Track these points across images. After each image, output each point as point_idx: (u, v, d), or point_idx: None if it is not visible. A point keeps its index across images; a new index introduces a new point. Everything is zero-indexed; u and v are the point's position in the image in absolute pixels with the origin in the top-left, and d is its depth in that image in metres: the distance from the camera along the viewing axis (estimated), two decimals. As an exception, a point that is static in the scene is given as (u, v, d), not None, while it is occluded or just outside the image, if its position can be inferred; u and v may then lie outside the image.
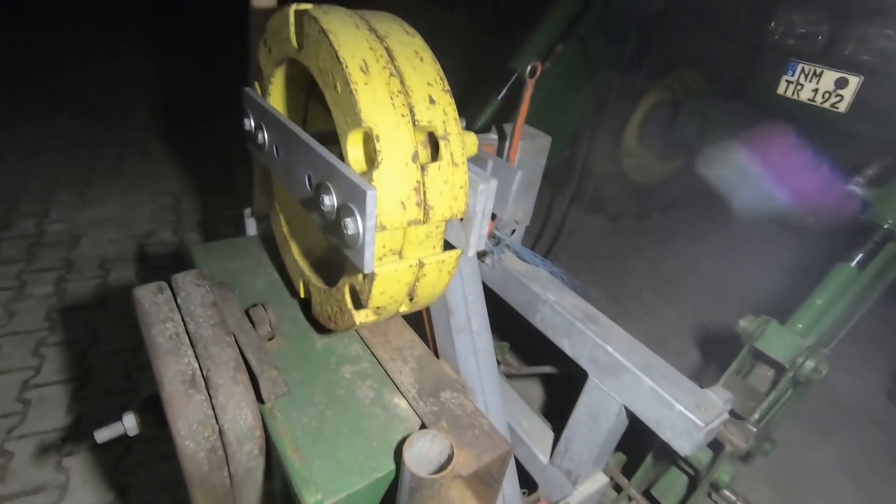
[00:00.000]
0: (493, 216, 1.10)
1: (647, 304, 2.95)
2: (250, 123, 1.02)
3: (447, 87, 0.76)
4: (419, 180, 0.72)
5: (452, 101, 0.77)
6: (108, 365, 2.00)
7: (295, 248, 1.09)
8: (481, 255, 1.23)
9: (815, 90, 2.02)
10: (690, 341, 2.67)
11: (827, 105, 1.99)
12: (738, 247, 3.49)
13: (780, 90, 2.18)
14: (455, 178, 0.75)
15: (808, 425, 2.27)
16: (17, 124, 3.82)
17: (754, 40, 2.30)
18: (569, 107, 2.15)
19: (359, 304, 0.82)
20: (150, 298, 0.98)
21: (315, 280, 1.00)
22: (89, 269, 2.51)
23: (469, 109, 1.97)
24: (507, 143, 1.05)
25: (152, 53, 5.59)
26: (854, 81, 1.91)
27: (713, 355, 2.52)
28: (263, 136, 0.98)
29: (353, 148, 0.72)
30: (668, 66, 2.71)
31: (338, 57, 0.70)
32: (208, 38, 6.11)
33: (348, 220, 0.71)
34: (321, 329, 1.08)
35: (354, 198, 0.70)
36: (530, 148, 1.11)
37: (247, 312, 1.04)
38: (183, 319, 0.94)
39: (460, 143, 0.76)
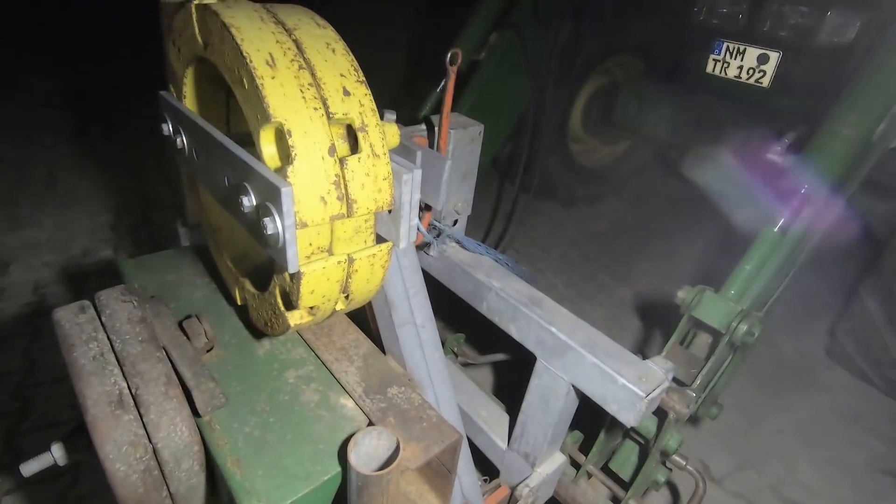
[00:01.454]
0: (429, 207, 1.10)
1: (603, 285, 3.02)
2: (168, 128, 0.98)
3: (362, 78, 0.75)
4: (338, 174, 0.71)
5: (368, 91, 0.75)
6: (49, 395, 1.89)
7: (227, 255, 1.05)
8: (424, 247, 1.22)
9: (740, 67, 2.11)
10: (644, 317, 2.75)
11: (752, 81, 2.09)
12: (686, 223, 3.61)
13: (709, 69, 2.27)
14: (377, 169, 0.74)
15: (758, 388, 2.38)
16: None
17: (682, 22, 2.38)
18: (509, 96, 2.16)
19: (290, 305, 0.80)
20: (71, 319, 0.92)
21: (249, 286, 0.97)
22: (22, 295, 2.37)
23: (410, 102, 1.96)
24: (437, 134, 1.05)
25: (80, 62, 5.31)
26: (774, 57, 2.01)
27: (664, 328, 2.61)
28: (182, 141, 0.94)
29: (267, 145, 0.70)
30: (604, 52, 2.77)
31: (241, 52, 0.67)
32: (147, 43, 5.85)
33: (267, 220, 0.69)
34: (262, 336, 1.05)
35: (271, 196, 0.68)
36: (463, 137, 1.11)
37: (180, 325, 1.00)
38: (109, 338, 0.89)
39: (380, 134, 0.75)
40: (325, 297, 0.80)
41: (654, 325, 2.69)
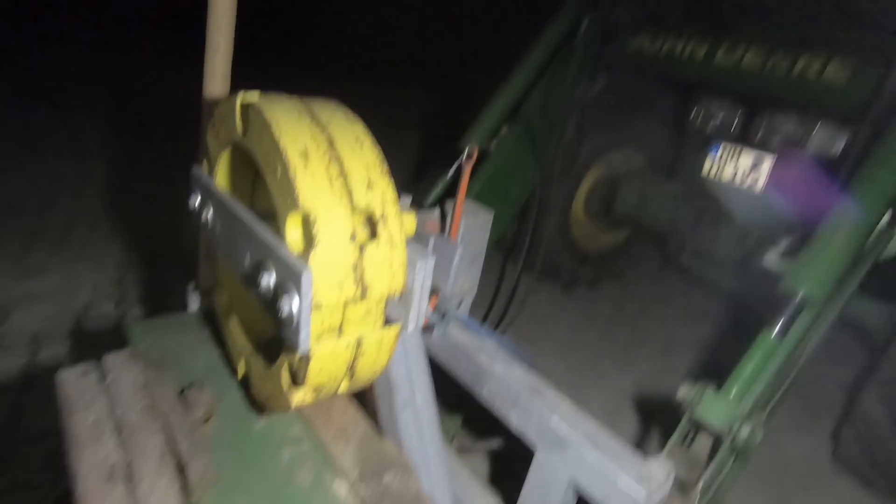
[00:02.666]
0: (436, 290, 1.13)
1: (604, 372, 2.98)
2: (196, 201, 1.04)
3: (385, 170, 0.81)
4: (357, 260, 0.75)
5: (391, 183, 0.81)
6: (28, 453, 1.82)
7: (236, 325, 1.07)
8: (428, 328, 1.24)
9: (736, 170, 2.22)
10: (644, 408, 2.69)
11: (747, 184, 2.19)
12: (686, 312, 3.63)
13: (706, 169, 2.39)
14: (393, 256, 0.78)
15: (762, 490, 2.28)
16: None
17: (681, 125, 2.55)
18: (517, 183, 2.28)
19: (296, 383, 0.81)
20: (74, 382, 0.93)
21: (255, 359, 0.98)
22: (18, 345, 2.34)
23: (423, 184, 2.06)
24: (449, 221, 1.10)
25: (111, 120, 5.59)
26: (768, 161, 2.13)
27: (664, 421, 2.54)
28: (208, 214, 0.99)
29: (292, 230, 0.74)
30: (606, 146, 2.94)
31: (279, 145, 0.74)
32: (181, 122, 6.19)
33: (285, 300, 0.72)
34: (262, 410, 1.05)
35: (291, 278, 0.71)
36: (473, 223, 1.17)
37: (182, 393, 1.00)
38: (111, 403, 0.89)
39: (399, 223, 0.79)
40: (332, 377, 0.81)
41: (653, 417, 2.63)
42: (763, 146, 2.11)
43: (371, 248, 0.76)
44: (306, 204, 0.72)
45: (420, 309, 0.84)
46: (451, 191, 2.04)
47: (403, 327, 0.85)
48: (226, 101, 0.89)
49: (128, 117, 5.87)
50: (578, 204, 3.17)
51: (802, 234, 1.32)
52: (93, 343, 2.43)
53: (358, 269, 0.74)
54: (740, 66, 1.92)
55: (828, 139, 2.03)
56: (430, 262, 0.81)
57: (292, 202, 0.73)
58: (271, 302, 0.75)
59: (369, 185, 0.78)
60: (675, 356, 3.16)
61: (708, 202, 2.28)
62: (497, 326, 2.45)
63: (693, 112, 2.35)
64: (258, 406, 1.04)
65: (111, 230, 3.50)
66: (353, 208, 0.75)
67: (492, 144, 2.14)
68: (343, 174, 0.76)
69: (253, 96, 0.82)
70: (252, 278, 0.79)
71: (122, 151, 4.92)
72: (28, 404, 2.04)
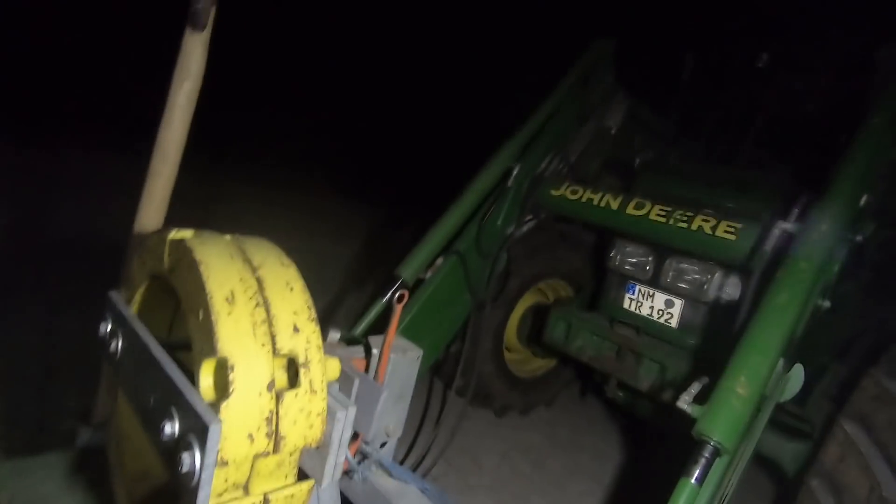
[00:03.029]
0: (358, 433, 1.08)
1: (535, 509, 2.84)
2: (106, 328, 0.98)
3: (314, 316, 0.81)
4: (272, 410, 0.71)
5: (318, 328, 0.81)
6: None
7: (128, 472, 0.95)
8: (347, 473, 1.16)
9: (651, 307, 2.41)
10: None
11: (662, 321, 2.37)
12: (615, 442, 3.62)
13: (625, 305, 2.57)
14: (312, 405, 0.76)
15: None
16: None
17: (601, 262, 2.78)
18: (450, 311, 2.33)
19: (187, 552, 0.71)
20: None
21: (143, 514, 0.86)
22: None
23: (353, 310, 2.05)
24: (377, 360, 1.09)
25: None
26: (678, 304, 2.33)
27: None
28: (117, 344, 0.93)
29: (206, 376, 0.71)
30: (536, 276, 3.13)
31: (205, 287, 0.73)
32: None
33: (185, 455, 0.66)
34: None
35: (197, 430, 0.66)
36: (402, 361, 1.16)
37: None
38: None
39: (321, 369, 0.78)
40: (231, 542, 0.72)
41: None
42: (672, 289, 2.32)
43: (289, 397, 0.73)
44: (225, 350, 0.70)
45: (337, 462, 0.80)
46: (384, 317, 2.04)
47: (317, 482, 0.79)
48: (157, 234, 0.89)
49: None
50: (511, 330, 3.25)
51: (711, 379, 1.41)
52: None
53: (273, 420, 0.71)
54: (647, 218, 2.19)
55: (726, 285, 2.27)
56: (352, 412, 0.79)
57: (210, 348, 0.70)
58: (171, 455, 0.69)
59: (295, 330, 0.77)
60: (610, 493, 3.08)
61: (629, 337, 2.42)
62: (426, 454, 2.33)
63: (611, 253, 2.59)
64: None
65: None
66: (275, 354, 0.74)
67: (427, 273, 2.22)
68: (268, 319, 0.75)
69: (186, 233, 0.83)
70: (153, 423, 0.73)
71: None
72: None
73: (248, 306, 0.74)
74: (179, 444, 0.69)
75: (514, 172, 2.44)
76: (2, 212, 5.18)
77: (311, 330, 0.79)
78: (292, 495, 0.76)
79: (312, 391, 0.75)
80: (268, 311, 0.76)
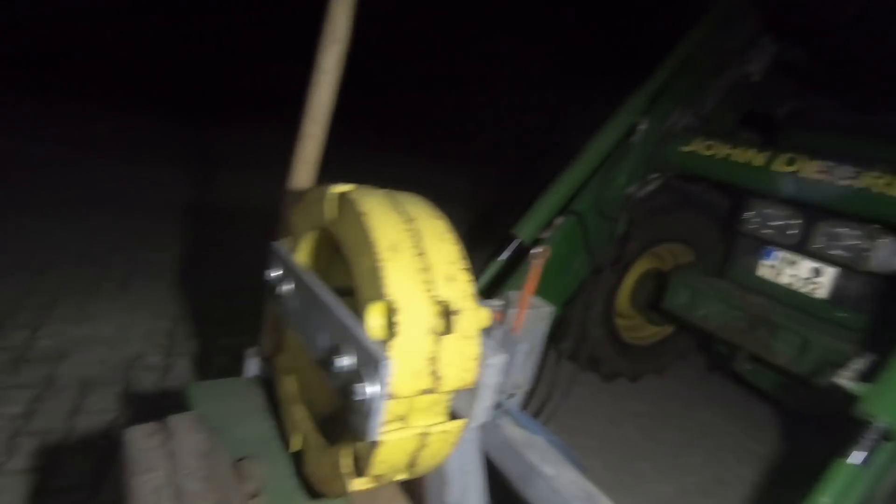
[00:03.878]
0: (495, 383, 1.12)
1: (643, 476, 2.78)
2: (275, 275, 1.10)
3: (466, 266, 0.85)
4: (433, 351, 0.76)
5: (470, 278, 0.84)
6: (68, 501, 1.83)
7: (296, 401, 1.09)
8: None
9: (794, 276, 2.17)
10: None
11: (805, 290, 2.13)
12: (733, 419, 3.40)
13: (760, 272, 2.35)
14: (468, 349, 0.80)
15: None
16: (24, 238, 3.98)
17: (731, 225, 2.54)
18: (566, 272, 2.29)
19: (357, 469, 0.81)
20: (140, 442, 0.95)
21: (313, 437, 0.98)
22: (68, 389, 2.42)
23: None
24: (513, 313, 1.12)
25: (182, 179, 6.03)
26: (830, 272, 2.07)
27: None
28: (286, 289, 1.05)
29: (374, 317, 0.77)
30: (654, 239, 2.95)
31: (371, 236, 0.79)
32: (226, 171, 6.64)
33: (359, 386, 0.73)
34: (310, 488, 1.03)
35: (369, 364, 0.73)
36: (534, 317, 1.18)
37: (237, 463, 1.00)
38: (173, 469, 0.90)
39: (475, 317, 0.82)
40: (393, 466, 0.80)
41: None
42: (823, 256, 2.06)
43: (448, 341, 0.78)
44: (391, 294, 0.75)
45: (486, 405, 0.84)
46: (501, 276, 2.07)
47: (469, 422, 0.84)
48: (318, 189, 0.97)
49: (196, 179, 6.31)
50: (624, 295, 3.13)
51: (877, 356, 1.26)
52: (135, 392, 2.48)
53: (434, 360, 0.76)
54: (799, 176, 1.94)
55: (889, 258, 1.97)
56: (503, 359, 0.82)
57: (377, 291, 0.76)
58: (343, 385, 0.77)
59: (450, 279, 0.81)
60: (726, 469, 2.93)
61: (764, 306, 2.21)
62: (537, 415, 2.37)
63: (746, 215, 2.35)
64: (307, 483, 1.03)
65: (168, 282, 3.68)
66: (434, 301, 0.78)
67: (545, 234, 2.20)
68: (427, 268, 0.80)
69: (348, 187, 0.89)
70: (327, 358, 0.81)
71: (184, 209, 5.26)
72: (66, 453, 2.06)
73: (409, 255, 0.79)
74: (353, 377, 0.76)
75: (641, 128, 2.28)
76: (179, 182, 5.99)
77: (464, 279, 0.82)
78: (447, 431, 0.82)
79: (468, 336, 0.79)
80: (426, 260, 0.80)
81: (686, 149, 2.25)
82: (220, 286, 3.76)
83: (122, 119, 8.25)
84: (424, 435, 0.79)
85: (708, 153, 2.17)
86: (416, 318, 0.76)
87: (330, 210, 0.91)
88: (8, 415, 2.19)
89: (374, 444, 0.75)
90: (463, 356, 0.79)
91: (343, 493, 0.84)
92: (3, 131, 6.47)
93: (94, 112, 8.11)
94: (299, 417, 1.04)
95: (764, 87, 2.62)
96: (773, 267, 2.27)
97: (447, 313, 0.80)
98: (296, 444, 1.03)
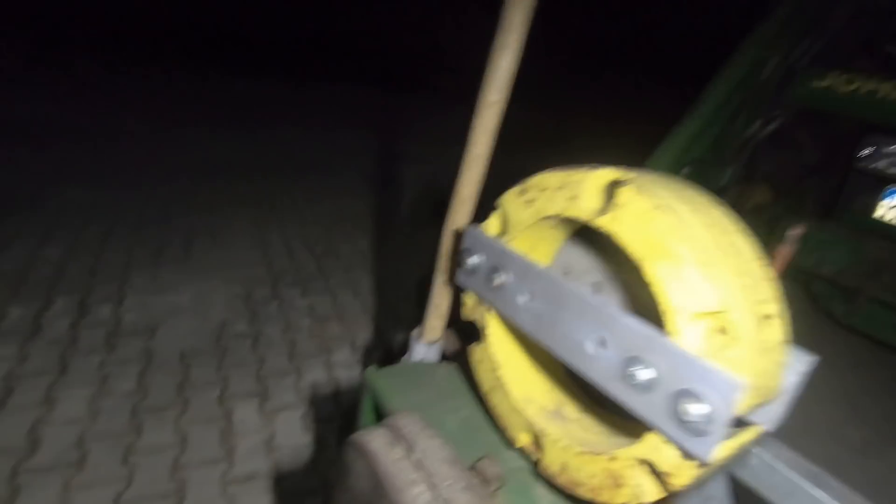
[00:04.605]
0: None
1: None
2: (481, 262, 1.01)
3: (767, 262, 0.75)
4: (763, 364, 0.69)
5: (776, 280, 0.75)
6: (202, 479, 1.86)
7: (516, 393, 1.03)
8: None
9: (926, 220, 2.06)
10: None
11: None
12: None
13: (878, 214, 2.23)
14: (781, 357, 0.72)
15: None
16: (89, 201, 3.90)
17: (841, 162, 2.39)
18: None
19: (664, 486, 0.76)
20: (387, 453, 0.91)
21: (557, 434, 0.93)
22: (170, 363, 2.42)
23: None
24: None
25: (222, 137, 5.82)
26: (971, 214, 1.96)
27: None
28: (504, 280, 0.96)
29: (694, 326, 0.69)
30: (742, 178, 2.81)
31: (679, 236, 0.69)
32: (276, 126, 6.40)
33: (690, 406, 0.66)
34: (545, 482, 1.00)
35: (702, 384, 0.66)
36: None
37: (476, 464, 0.96)
38: (432, 482, 0.87)
39: (784, 321, 0.73)
40: (694, 479, 0.75)
41: None
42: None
43: (765, 347, 0.70)
44: (718, 304, 0.66)
45: (784, 410, 0.78)
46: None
47: (764, 428, 0.78)
48: (562, 174, 0.86)
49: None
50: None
51: None
52: (235, 363, 2.48)
53: (763, 374, 0.69)
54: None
55: None
56: (812, 362, 0.75)
57: (696, 300, 0.67)
58: (641, 397, 0.71)
59: (763, 280, 0.72)
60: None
61: (888, 251, 2.12)
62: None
63: (865, 152, 2.20)
64: (541, 479, 1.00)
65: (228, 245, 3.62)
66: (757, 307, 0.70)
67: None
68: (747, 270, 0.70)
69: (618, 173, 0.78)
70: (605, 367, 0.74)
71: (225, 166, 5.10)
72: (189, 425, 2.09)
73: (725, 255, 0.70)
74: (675, 397, 0.69)
75: (769, 63, 2.08)
76: (239, 135, 5.79)
77: (771, 279, 0.73)
78: (742, 440, 0.76)
79: (781, 343, 0.71)
80: (739, 258, 0.71)
81: (821, 84, 2.07)
82: (287, 246, 3.70)
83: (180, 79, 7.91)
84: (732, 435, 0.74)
85: (848, 88, 1.99)
86: (745, 328, 0.67)
87: (590, 200, 0.80)
88: (122, 391, 2.21)
89: (693, 462, 0.70)
90: (777, 364, 0.71)
91: (623, 502, 0.80)
92: (101, 104, 6.23)
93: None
94: (527, 414, 0.99)
95: (882, 17, 2.37)
96: (894, 207, 2.15)
97: (767, 318, 0.71)
98: (523, 440, 0.99)
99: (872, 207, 2.22)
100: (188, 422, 2.10)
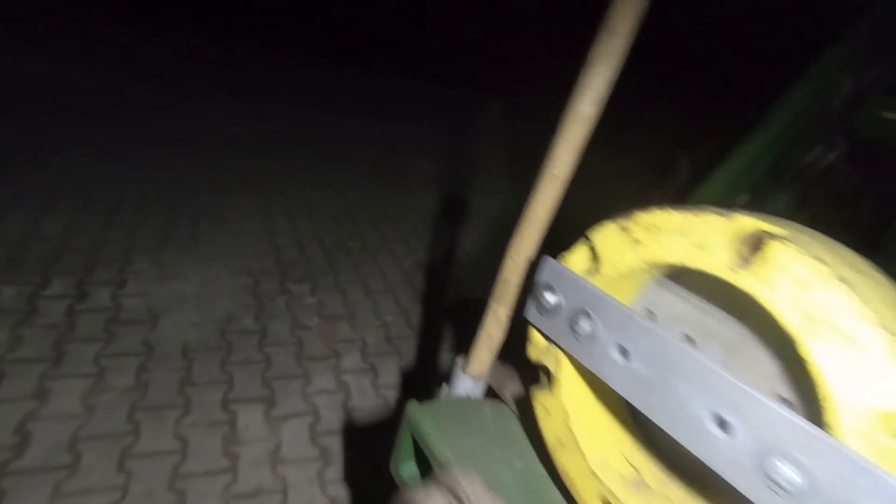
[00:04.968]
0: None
1: None
2: (562, 303, 0.87)
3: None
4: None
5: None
6: (203, 491, 1.73)
7: (590, 454, 0.90)
8: None
9: None
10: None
11: None
12: None
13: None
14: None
15: None
16: (94, 169, 3.73)
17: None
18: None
19: None
20: (453, 524, 0.78)
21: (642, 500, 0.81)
22: (171, 357, 2.28)
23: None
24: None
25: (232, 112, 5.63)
26: None
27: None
28: (593, 329, 0.83)
29: (871, 427, 0.56)
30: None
31: (861, 316, 0.56)
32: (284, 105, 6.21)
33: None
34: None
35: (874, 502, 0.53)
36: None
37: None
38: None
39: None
40: None
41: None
42: None
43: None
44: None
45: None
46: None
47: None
48: (680, 215, 0.72)
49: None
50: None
51: None
52: (241, 361, 2.35)
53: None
54: None
55: None
56: None
57: (876, 395, 0.54)
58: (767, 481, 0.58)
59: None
60: None
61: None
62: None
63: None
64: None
65: (236, 230, 3.46)
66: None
67: None
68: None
69: (766, 224, 0.65)
70: (750, 461, 0.61)
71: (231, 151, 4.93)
72: (190, 430, 1.95)
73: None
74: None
75: (843, 86, 1.94)
76: (251, 110, 5.58)
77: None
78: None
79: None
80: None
81: (890, 115, 1.94)
82: (295, 235, 3.55)
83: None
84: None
85: None
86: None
87: (725, 251, 0.67)
88: (120, 387, 2.07)
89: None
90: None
91: None
92: (112, 67, 5.99)
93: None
94: (604, 480, 0.86)
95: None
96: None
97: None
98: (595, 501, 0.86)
99: (927, 247, 2.10)
100: (189, 425, 1.96)
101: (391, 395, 2.37)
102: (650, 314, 0.93)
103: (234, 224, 3.54)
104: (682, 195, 1.99)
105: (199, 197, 3.77)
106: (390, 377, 2.47)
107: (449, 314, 3.08)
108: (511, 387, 1.30)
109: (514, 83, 9.03)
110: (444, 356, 2.71)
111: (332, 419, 2.15)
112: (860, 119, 2.00)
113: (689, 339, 0.96)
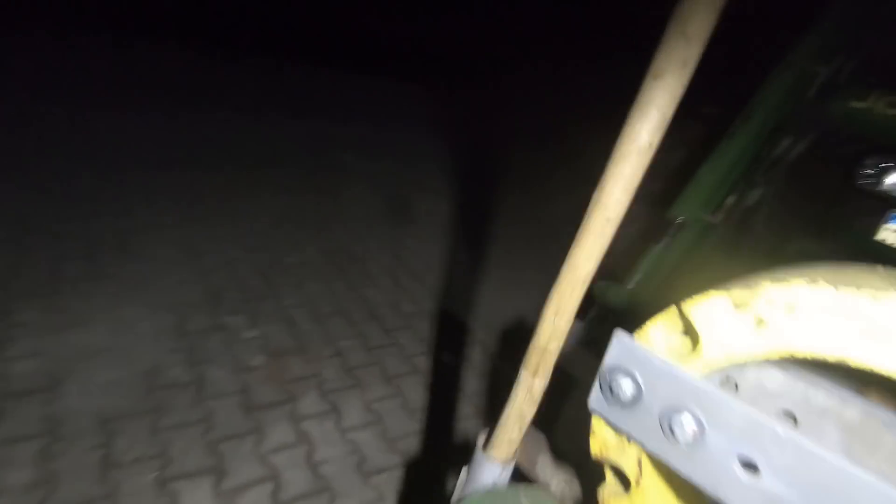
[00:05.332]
0: None
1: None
2: (646, 396, 0.68)
3: None
4: None
5: None
6: None
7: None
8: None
9: (931, 244, 2.02)
10: None
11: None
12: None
13: (881, 237, 2.18)
14: None
15: None
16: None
17: (842, 180, 2.33)
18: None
19: None
20: None
21: None
22: (84, 432, 1.85)
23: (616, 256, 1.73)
24: None
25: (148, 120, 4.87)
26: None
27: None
28: (698, 432, 0.64)
29: None
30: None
31: None
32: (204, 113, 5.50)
33: None
34: None
35: None
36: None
37: None
38: None
39: None
40: None
41: None
42: None
43: None
44: None
45: None
46: (656, 270, 1.73)
47: None
48: (831, 294, 0.54)
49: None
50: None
51: None
52: (178, 424, 1.96)
53: None
54: None
55: None
56: None
57: None
58: None
59: None
60: None
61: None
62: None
63: (868, 169, 2.13)
64: None
65: (146, 256, 2.96)
66: None
67: (717, 217, 1.84)
68: None
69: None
70: None
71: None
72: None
73: None
74: None
75: (818, 78, 1.90)
76: (155, 118, 4.77)
77: None
78: None
79: None
80: None
81: (859, 105, 1.93)
82: (223, 256, 3.10)
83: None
84: None
85: (889, 111, 1.88)
86: None
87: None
88: (16, 486, 1.62)
89: None
90: None
91: None
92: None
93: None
94: None
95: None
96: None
97: None
98: None
99: (874, 230, 2.17)
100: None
101: (360, 437, 2.10)
102: (729, 381, 0.76)
103: (144, 249, 3.02)
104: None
105: (95, 220, 3.18)
106: (356, 416, 2.20)
107: (410, 329, 2.84)
108: (543, 460, 1.09)
109: (465, 80, 8.80)
110: (411, 380, 2.48)
111: (297, 481, 1.85)
112: (832, 108, 1.99)
113: (791, 417, 0.79)
